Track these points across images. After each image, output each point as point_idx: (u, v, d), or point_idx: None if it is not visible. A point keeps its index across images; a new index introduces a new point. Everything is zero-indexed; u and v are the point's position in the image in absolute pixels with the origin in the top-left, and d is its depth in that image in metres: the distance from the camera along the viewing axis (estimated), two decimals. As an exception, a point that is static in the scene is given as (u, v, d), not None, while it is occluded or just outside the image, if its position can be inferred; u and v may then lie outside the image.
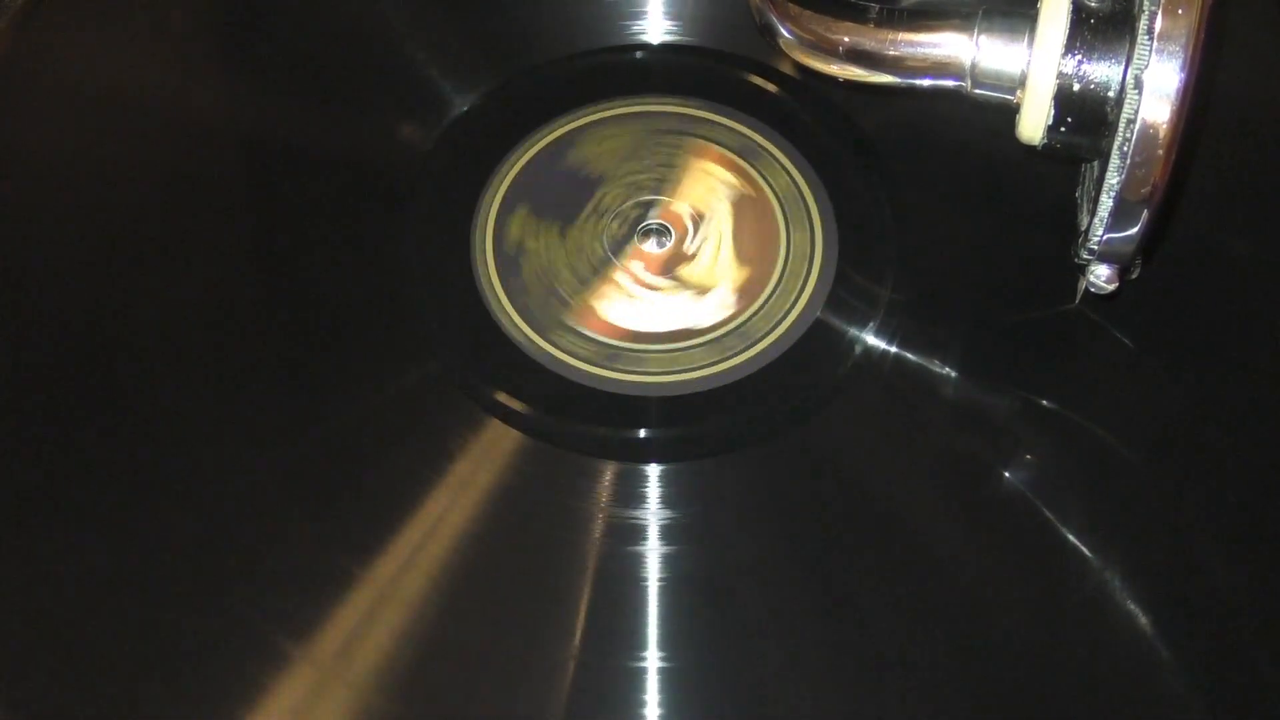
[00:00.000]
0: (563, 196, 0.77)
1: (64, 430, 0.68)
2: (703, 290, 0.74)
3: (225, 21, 0.84)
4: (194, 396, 0.70)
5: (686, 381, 0.71)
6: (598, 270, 0.75)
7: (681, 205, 0.77)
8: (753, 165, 0.78)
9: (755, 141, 0.78)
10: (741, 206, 0.76)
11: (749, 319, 0.73)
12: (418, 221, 0.76)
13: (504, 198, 0.77)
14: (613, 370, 0.71)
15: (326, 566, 0.65)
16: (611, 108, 0.81)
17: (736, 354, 0.72)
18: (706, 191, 0.77)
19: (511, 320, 0.73)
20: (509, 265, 0.75)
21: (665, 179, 0.78)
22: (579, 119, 0.80)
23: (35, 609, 0.63)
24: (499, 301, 0.74)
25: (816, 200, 0.77)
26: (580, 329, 0.73)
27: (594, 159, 0.78)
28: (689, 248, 0.75)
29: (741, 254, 0.75)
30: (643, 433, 0.70)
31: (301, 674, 0.62)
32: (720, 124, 0.80)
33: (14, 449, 0.68)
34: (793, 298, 0.73)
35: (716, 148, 0.78)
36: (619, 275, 0.75)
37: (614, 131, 0.80)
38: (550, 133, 0.79)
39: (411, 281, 0.74)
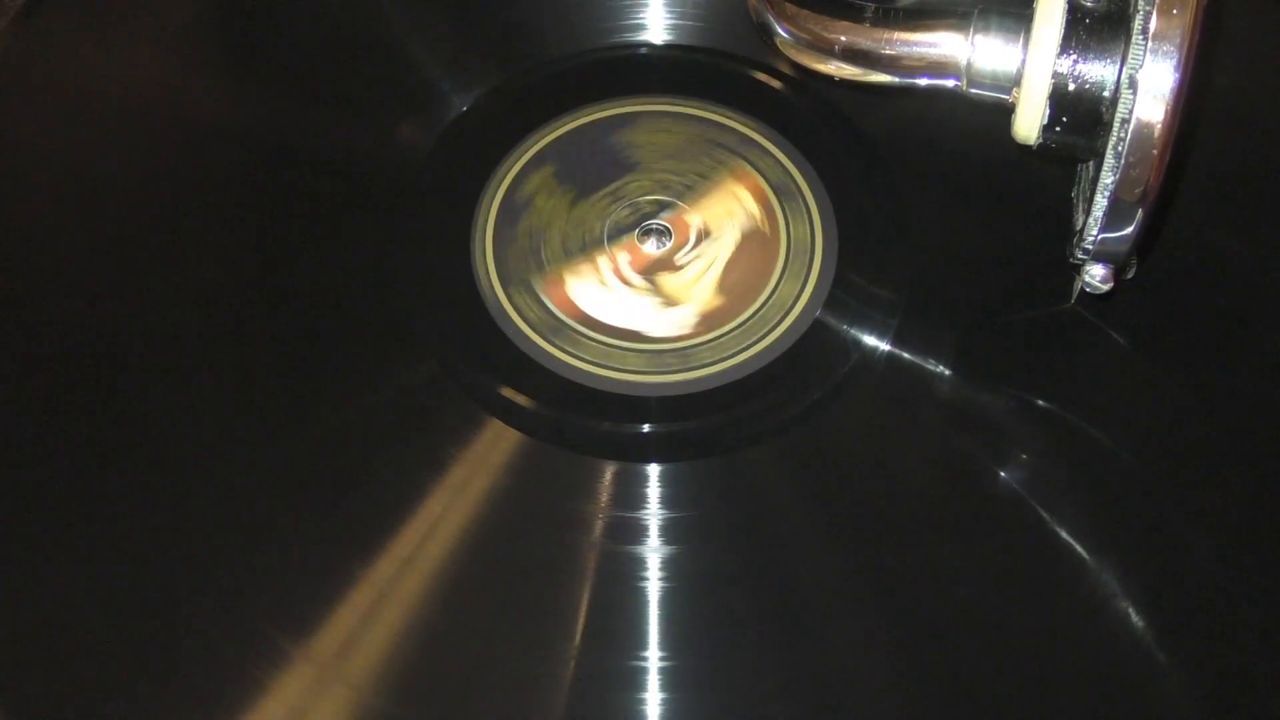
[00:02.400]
0: (592, 170, 0.78)
1: (64, 430, 0.68)
2: (671, 303, 0.74)
3: (225, 22, 0.84)
4: (194, 396, 0.70)
5: (687, 381, 0.71)
6: (586, 248, 0.75)
7: (694, 217, 0.76)
8: (782, 204, 0.77)
9: (793, 179, 0.78)
10: (750, 240, 0.76)
11: (697, 345, 0.73)
12: (418, 221, 0.76)
13: (504, 198, 0.77)
14: (613, 370, 0.71)
15: (326, 566, 0.65)
16: (627, 104, 0.81)
17: (737, 354, 0.72)
18: (725, 214, 0.77)
19: (511, 320, 0.73)
20: (510, 214, 0.75)
21: (693, 187, 0.78)
22: (576, 120, 0.81)
23: (35, 609, 0.63)
24: (499, 301, 0.74)
25: (816, 199, 0.77)
26: (540, 295, 0.74)
27: (639, 146, 0.79)
28: (680, 259, 0.75)
29: (724, 284, 0.75)
30: (643, 432, 0.70)
31: (301, 673, 0.62)
32: (760, 145, 0.79)
33: (14, 449, 0.68)
34: (792, 299, 0.74)
35: (757, 177, 0.78)
36: (602, 260, 0.75)
37: (668, 126, 0.80)
38: (551, 132, 0.79)
39: (411, 281, 0.74)
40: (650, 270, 0.75)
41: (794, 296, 0.73)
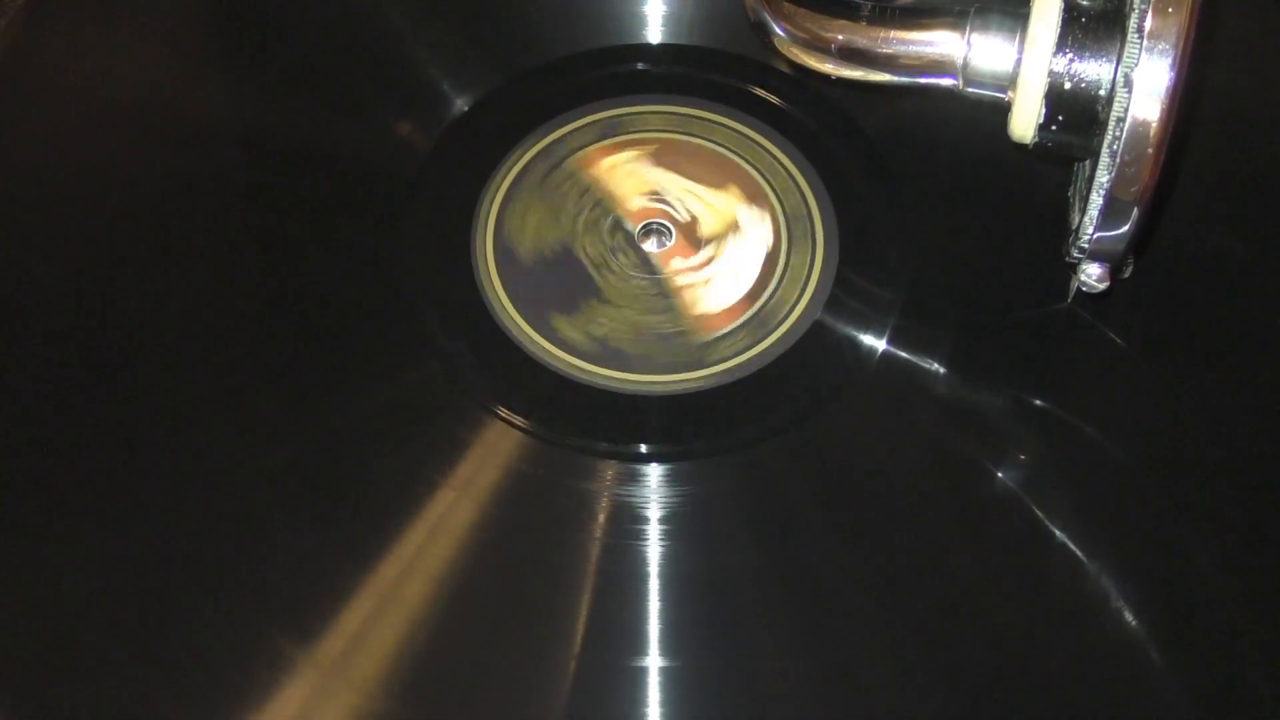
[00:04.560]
0: (564, 283, 0.75)
1: (64, 431, 0.68)
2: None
3: (225, 21, 0.84)
4: (195, 397, 0.70)
5: (687, 381, 0.71)
6: (664, 293, 0.75)
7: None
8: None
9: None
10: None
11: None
12: (418, 221, 0.76)
13: (504, 197, 0.77)
14: (613, 370, 0.71)
15: (327, 567, 0.65)
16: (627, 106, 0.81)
17: (737, 354, 0.72)
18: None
19: (512, 320, 0.73)
20: (611, 359, 0.73)
21: (600, 199, 0.78)
22: (576, 120, 0.81)
23: (36, 610, 0.63)
24: (499, 301, 0.74)
25: (816, 199, 0.77)
26: (715, 334, 0.73)
27: (540, 240, 0.77)
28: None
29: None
30: (643, 432, 0.70)
31: (303, 674, 0.62)
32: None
33: (14, 449, 0.68)
34: (792, 300, 0.73)
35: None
36: (679, 280, 0.75)
37: (524, 208, 0.78)
38: (550, 133, 0.79)
39: (411, 281, 0.74)
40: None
41: (794, 297, 0.73)
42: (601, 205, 0.77)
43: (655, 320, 0.73)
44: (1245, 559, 0.65)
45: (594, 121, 0.80)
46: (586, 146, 0.79)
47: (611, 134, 0.80)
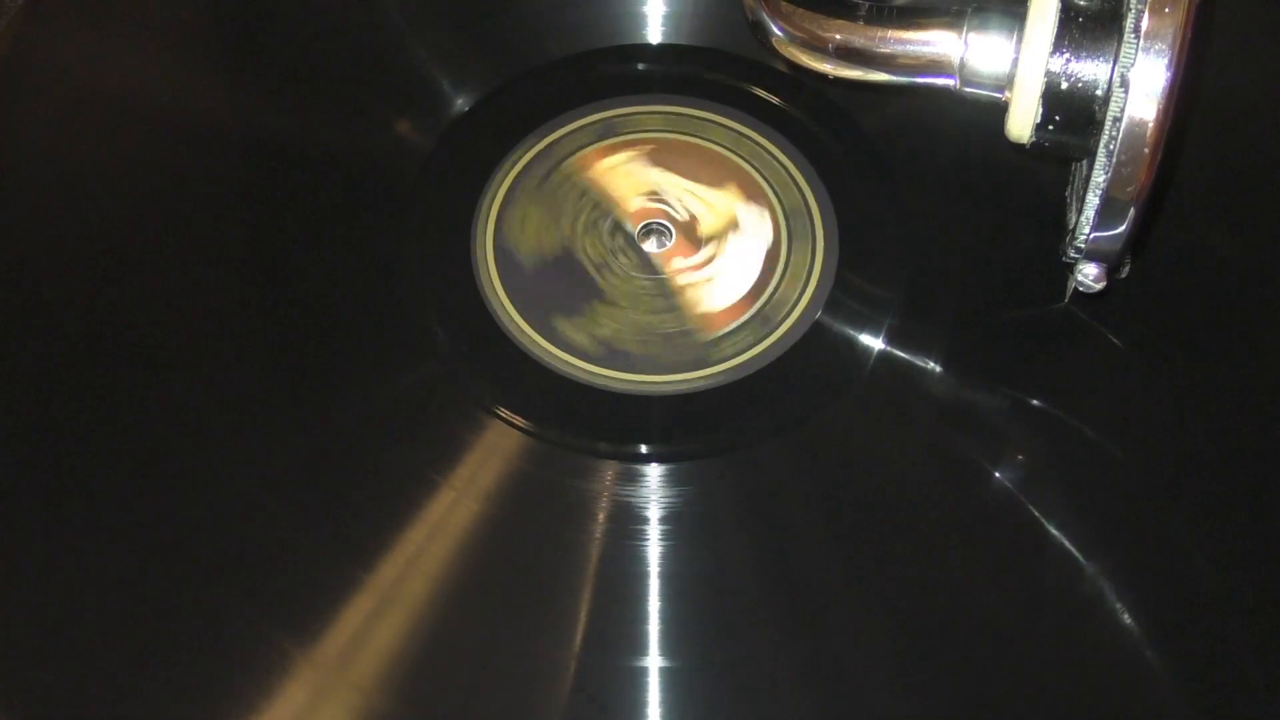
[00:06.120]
0: (566, 286, 0.75)
1: (64, 431, 0.68)
2: (733, 224, 0.75)
3: (226, 22, 0.84)
4: (194, 397, 0.70)
5: (687, 381, 0.71)
6: (666, 293, 0.75)
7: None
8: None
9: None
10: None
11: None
12: (418, 221, 0.76)
13: (504, 198, 0.77)
14: (613, 370, 0.71)
15: (327, 567, 0.65)
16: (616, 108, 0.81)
17: (736, 355, 0.72)
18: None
19: (512, 320, 0.73)
20: (616, 360, 0.73)
21: (598, 201, 0.78)
22: (576, 120, 0.81)
23: (38, 610, 0.63)
24: (499, 301, 0.74)
25: (816, 199, 0.77)
26: (720, 332, 0.73)
27: (540, 244, 0.77)
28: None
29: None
30: (643, 432, 0.70)
31: (304, 675, 0.62)
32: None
33: (14, 449, 0.68)
34: (792, 300, 0.74)
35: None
36: (680, 279, 0.75)
37: (522, 213, 0.78)
38: (550, 133, 0.79)
39: (411, 281, 0.74)
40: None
41: (794, 297, 0.73)
42: (600, 207, 0.77)
43: (658, 320, 0.73)
44: (1243, 558, 0.65)
45: (592, 123, 0.80)
46: (584, 148, 0.79)
47: (608, 135, 0.80)
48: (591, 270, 0.75)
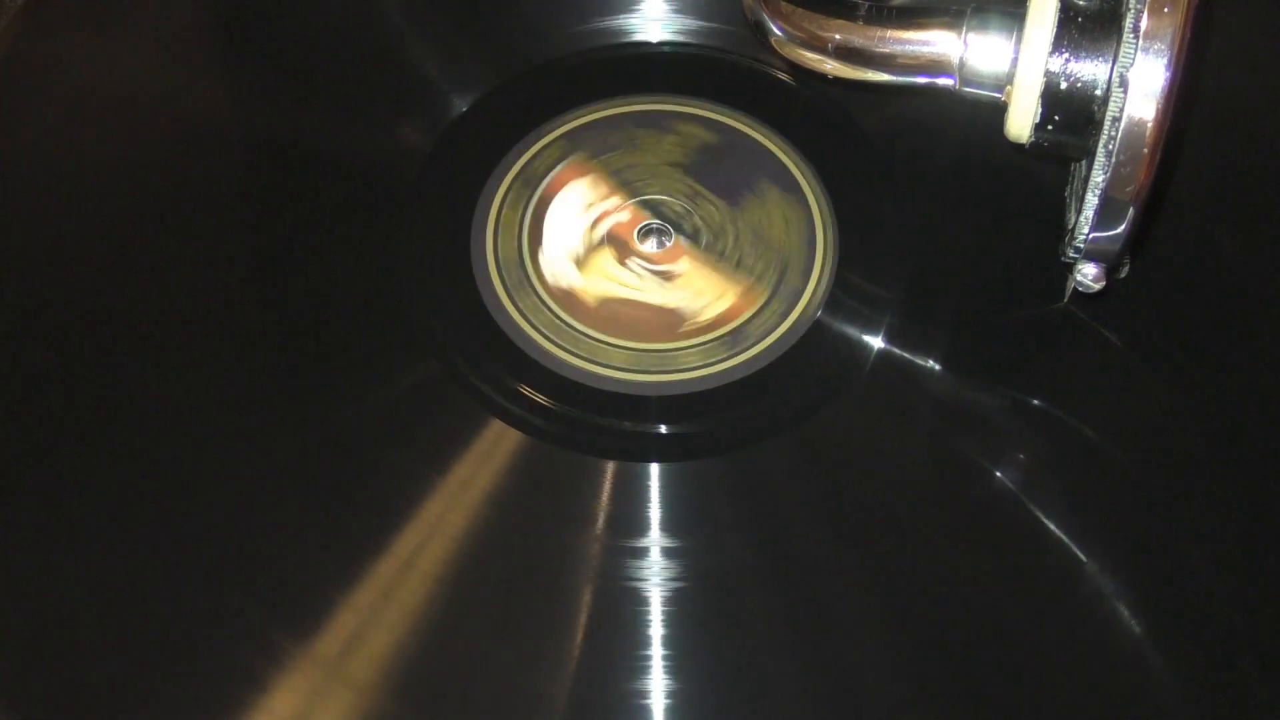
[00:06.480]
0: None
1: (64, 431, 0.68)
2: (671, 304, 0.75)
3: (225, 22, 0.84)
4: (194, 397, 0.70)
5: (686, 381, 0.71)
6: (587, 249, 0.76)
7: (693, 218, 0.77)
8: (782, 205, 0.77)
9: (793, 179, 0.78)
10: (750, 241, 0.76)
11: (698, 345, 0.73)
12: (418, 221, 0.76)
13: (504, 198, 0.77)
14: (614, 369, 0.71)
15: (328, 567, 0.65)
16: (606, 108, 0.81)
17: (737, 354, 0.72)
18: (725, 214, 0.77)
19: (513, 319, 0.73)
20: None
21: (693, 188, 0.78)
22: (576, 120, 0.81)
23: (37, 610, 0.63)
24: (499, 301, 0.74)
25: (816, 199, 0.77)
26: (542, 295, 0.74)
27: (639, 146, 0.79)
28: (679, 260, 0.75)
29: (724, 284, 0.75)
30: (644, 431, 0.70)
31: (303, 675, 0.62)
32: (760, 145, 0.79)
33: (14, 449, 0.68)
34: (792, 300, 0.74)
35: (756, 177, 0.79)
36: (603, 261, 0.76)
37: (669, 126, 0.80)
38: (550, 133, 0.79)
39: (411, 281, 0.74)
40: (650, 270, 0.75)
41: (794, 297, 0.73)
42: (634, 187, 0.78)
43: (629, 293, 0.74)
44: (1242, 558, 0.65)
45: (594, 121, 0.80)
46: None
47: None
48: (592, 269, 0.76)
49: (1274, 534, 0.66)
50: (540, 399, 0.71)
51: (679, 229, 0.76)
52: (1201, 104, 0.75)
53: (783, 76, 0.81)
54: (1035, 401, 0.70)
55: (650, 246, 0.76)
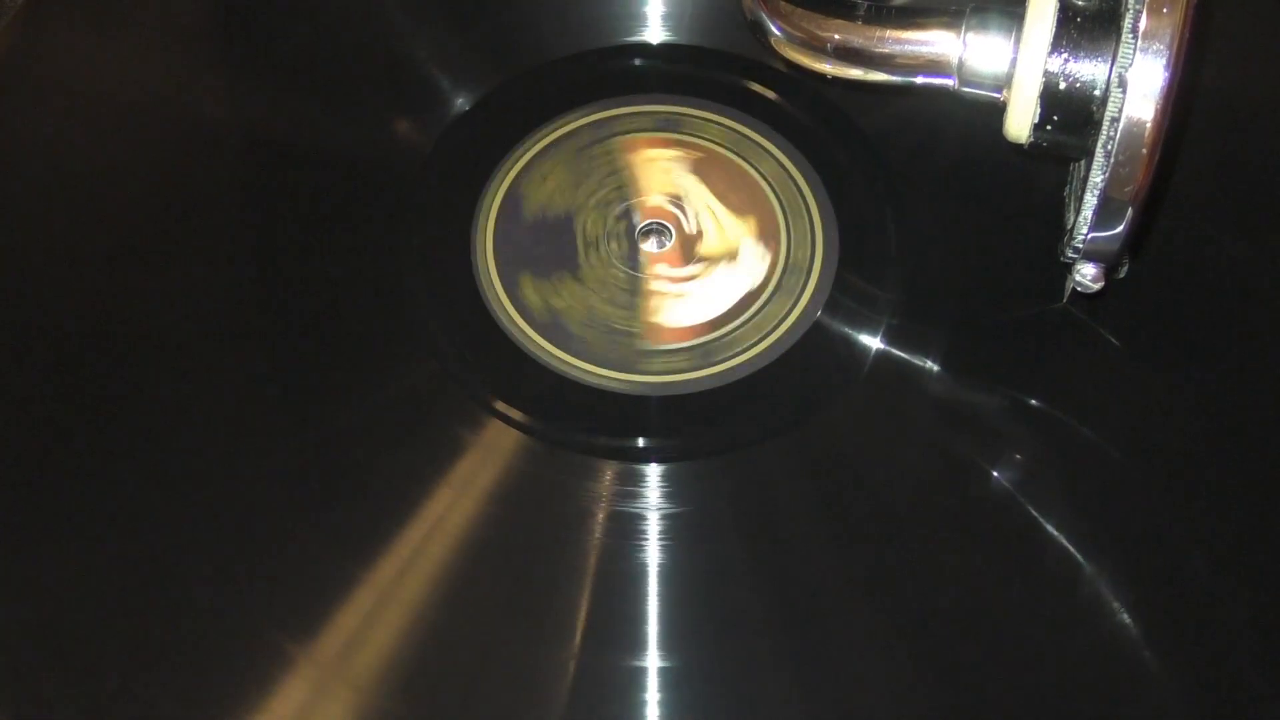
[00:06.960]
0: (550, 249, 0.76)
1: (65, 431, 0.68)
2: (731, 255, 0.75)
3: (225, 21, 0.84)
4: (194, 396, 0.70)
5: (686, 382, 0.71)
6: (634, 291, 0.75)
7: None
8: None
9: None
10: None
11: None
12: (418, 221, 0.76)
13: (504, 198, 0.77)
14: (614, 370, 0.71)
15: (328, 566, 0.65)
16: (592, 113, 0.81)
17: (736, 354, 0.72)
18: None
19: (512, 319, 0.73)
20: (554, 332, 0.73)
21: (623, 184, 0.78)
22: (576, 120, 0.81)
23: (37, 610, 0.63)
24: (499, 301, 0.74)
25: (816, 199, 0.77)
26: (660, 347, 0.73)
27: (549, 202, 0.78)
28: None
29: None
30: (642, 432, 0.70)
31: (303, 674, 0.62)
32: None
33: (14, 449, 0.68)
34: (791, 299, 0.73)
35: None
36: (654, 284, 0.75)
37: (549, 169, 0.79)
38: (551, 132, 0.79)
39: (412, 281, 0.74)
40: (688, 255, 0.75)
41: (794, 297, 0.73)
42: (622, 190, 0.77)
43: (612, 312, 0.74)
44: (1241, 558, 0.65)
45: (594, 120, 0.80)
46: (638, 133, 0.80)
47: (668, 129, 0.80)
48: (580, 244, 0.76)
49: (1274, 534, 0.66)
50: (539, 399, 0.71)
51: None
52: (1201, 104, 0.75)
53: (778, 77, 0.82)
54: (1034, 401, 0.70)
55: (651, 246, 0.76)
